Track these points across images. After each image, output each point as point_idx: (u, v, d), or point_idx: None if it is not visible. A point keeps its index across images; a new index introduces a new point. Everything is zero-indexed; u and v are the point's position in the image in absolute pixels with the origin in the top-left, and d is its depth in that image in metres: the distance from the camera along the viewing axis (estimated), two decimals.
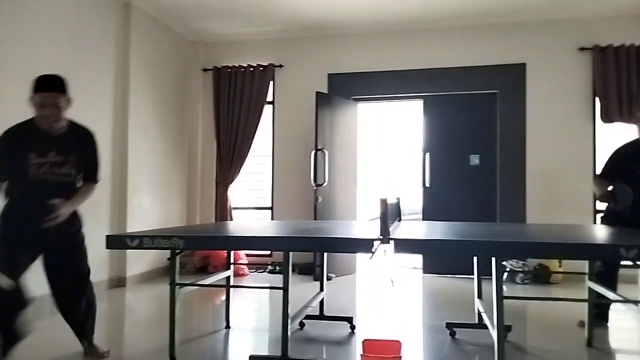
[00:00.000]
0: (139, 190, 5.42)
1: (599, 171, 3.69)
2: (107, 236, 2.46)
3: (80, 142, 2.88)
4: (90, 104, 4.68)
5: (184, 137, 6.42)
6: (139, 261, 5.39)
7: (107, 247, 2.45)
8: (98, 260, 4.82)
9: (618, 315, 3.75)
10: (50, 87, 2.68)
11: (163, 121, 5.94)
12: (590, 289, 3.16)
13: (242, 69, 6.35)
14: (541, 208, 5.63)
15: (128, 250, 4.77)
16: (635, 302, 2.24)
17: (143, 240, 2.38)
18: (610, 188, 3.49)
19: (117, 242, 2.52)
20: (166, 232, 2.61)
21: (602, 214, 3.78)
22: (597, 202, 3.42)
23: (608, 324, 3.65)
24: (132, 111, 5.31)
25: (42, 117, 2.70)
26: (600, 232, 2.81)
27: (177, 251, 2.62)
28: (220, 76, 6.43)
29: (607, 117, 5.49)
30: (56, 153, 2.74)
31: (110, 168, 5.04)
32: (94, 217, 4.83)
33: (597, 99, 5.58)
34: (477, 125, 5.96)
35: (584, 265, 3.20)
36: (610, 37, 5.52)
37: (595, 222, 5.49)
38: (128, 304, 4.66)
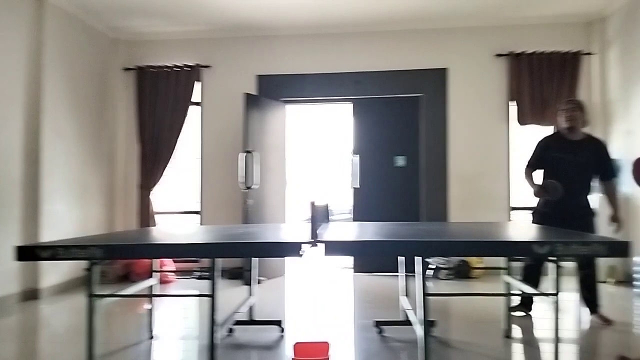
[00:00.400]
0: (53, 195, 5.08)
1: (525, 165, 4.02)
2: (17, 247, 2.28)
3: None
4: None
5: (103, 138, 6.10)
6: (55, 271, 5.05)
7: (17, 259, 2.27)
8: (7, 272, 4.48)
9: (536, 307, 4.00)
10: None
11: (80, 122, 5.61)
12: (506, 283, 3.35)
13: (167, 69, 6.14)
14: (462, 207, 5.89)
15: None
16: (549, 295, 2.39)
17: (57, 251, 2.23)
18: (540, 183, 3.86)
19: (28, 253, 2.34)
20: (82, 241, 2.46)
21: (532, 211, 4.06)
22: (533, 196, 3.91)
23: (530, 313, 3.96)
24: (45, 111, 4.97)
25: None
26: (516, 230, 2.97)
27: (95, 261, 2.47)
28: (142, 76, 6.18)
29: (522, 120, 5.84)
30: None
31: (20, 172, 4.69)
32: (2, 225, 4.49)
33: (512, 103, 5.92)
34: (402, 128, 6.15)
35: (502, 260, 3.39)
36: (524, 44, 5.88)
37: (510, 219, 5.84)
38: (42, 317, 4.34)
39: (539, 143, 4.01)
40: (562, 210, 3.73)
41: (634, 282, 4.71)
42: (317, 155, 13.53)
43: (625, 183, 5.32)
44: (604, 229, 4.02)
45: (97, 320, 2.49)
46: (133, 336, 3.61)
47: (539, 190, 3.79)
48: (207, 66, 6.23)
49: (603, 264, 5.22)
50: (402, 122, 6.16)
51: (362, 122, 6.19)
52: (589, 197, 3.83)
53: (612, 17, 5.63)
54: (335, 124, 11.64)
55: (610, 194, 3.85)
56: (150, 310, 3.48)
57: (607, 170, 3.85)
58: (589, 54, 5.82)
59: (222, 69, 6.25)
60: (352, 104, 6.21)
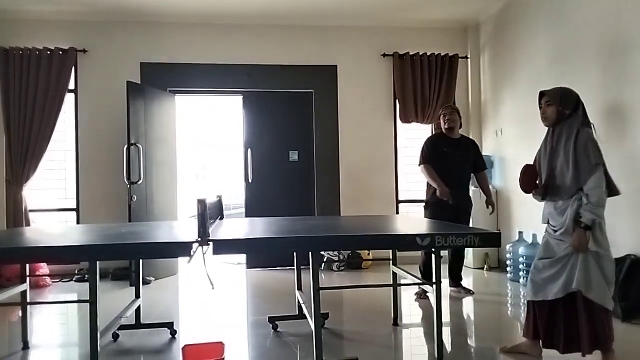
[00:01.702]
0: None
1: (420, 161, 4.44)
2: None
3: None
4: None
5: None
6: None
7: None
8: None
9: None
10: None
11: None
12: (394, 273, 3.53)
13: (37, 52, 5.56)
14: (353, 201, 6.09)
15: None
16: (431, 284, 2.56)
17: None
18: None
19: None
20: None
21: (424, 203, 4.51)
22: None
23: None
24: None
25: None
26: (401, 223, 3.14)
27: None
28: (9, 58, 5.53)
29: (404, 118, 6.16)
30: None
31: None
32: None
33: (397, 101, 6.23)
34: (295, 123, 6.19)
35: (390, 252, 3.59)
36: (407, 45, 6.19)
37: (397, 212, 6.16)
38: None
39: (427, 142, 4.49)
40: (451, 200, 4.24)
41: (507, 269, 5.20)
42: (210, 148, 13.20)
43: (495, 177, 5.87)
44: (481, 215, 4.55)
45: None
46: (4, 347, 3.26)
47: (442, 192, 4.22)
48: (84, 50, 5.75)
49: (477, 252, 5.71)
50: (295, 117, 6.20)
51: (254, 115, 6.13)
52: (469, 187, 4.51)
53: (485, 24, 6.14)
54: (227, 116, 11.43)
55: (483, 183, 4.52)
56: (24, 318, 3.15)
57: (480, 163, 4.52)
58: (465, 57, 6.30)
59: (100, 54, 5.80)
60: (242, 97, 6.11)
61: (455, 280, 4.58)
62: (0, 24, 5.64)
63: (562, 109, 2.66)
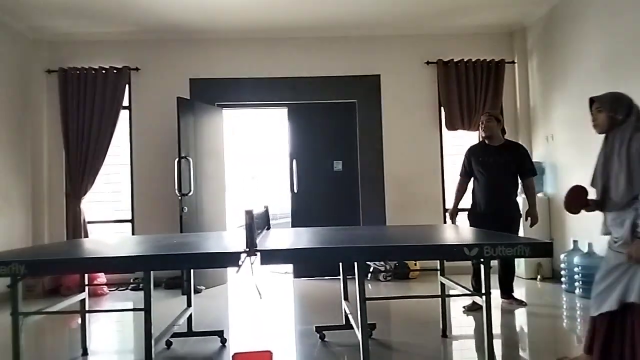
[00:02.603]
0: None
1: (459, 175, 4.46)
2: None
3: None
4: None
5: (25, 144, 5.74)
6: None
7: None
8: None
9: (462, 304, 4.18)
10: None
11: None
12: (442, 284, 3.47)
13: (93, 71, 5.87)
14: (399, 210, 6.04)
15: None
16: (481, 295, 2.49)
17: None
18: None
19: None
20: (4, 256, 2.30)
21: (467, 212, 4.43)
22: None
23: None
24: None
25: None
26: (449, 233, 3.09)
27: (19, 277, 2.32)
28: (67, 78, 5.86)
29: (450, 125, 6.08)
30: None
31: None
32: None
33: (442, 109, 6.15)
34: (339, 133, 6.23)
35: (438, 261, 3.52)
36: (451, 52, 6.12)
37: (445, 222, 6.06)
38: None
39: (465, 153, 4.45)
40: (491, 209, 4.17)
41: (562, 279, 4.99)
42: (257, 159, 13.44)
43: (546, 184, 5.68)
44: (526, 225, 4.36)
45: (23, 339, 2.35)
46: (65, 353, 3.43)
47: (449, 213, 4.33)
48: (137, 69, 6.02)
49: (530, 262, 5.51)
50: (339, 127, 6.24)
51: (299, 126, 6.21)
52: (514, 195, 4.30)
53: (532, 28, 5.99)
54: (273, 128, 11.62)
55: (528, 192, 4.29)
56: (83, 325, 3.30)
57: (524, 169, 4.28)
58: (512, 62, 6.16)
59: (152, 71, 6.06)
60: (287, 109, 6.21)
61: (507, 291, 4.41)
62: (59, 46, 5.99)
63: (614, 115, 2.55)
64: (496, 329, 3.66)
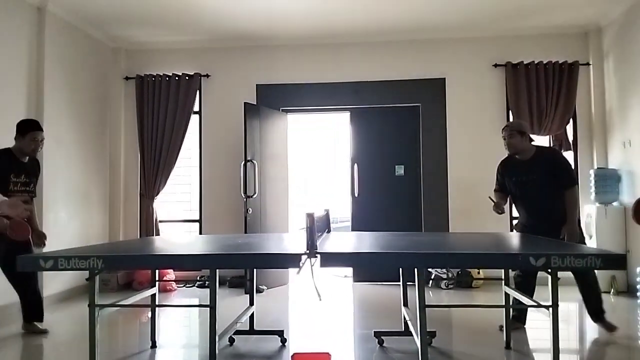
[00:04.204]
0: (55, 204, 5.10)
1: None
2: (19, 257, 2.31)
3: None
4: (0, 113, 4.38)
5: (104, 147, 6.14)
6: (58, 279, 5.06)
7: (19, 269, 2.30)
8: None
9: (535, 317, 4.00)
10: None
11: (81, 131, 5.65)
12: (506, 294, 3.36)
13: (167, 78, 6.18)
14: (463, 216, 5.89)
15: None
16: (547, 307, 2.40)
17: (58, 261, 2.26)
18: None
19: (30, 263, 2.38)
20: (84, 251, 2.49)
21: (515, 223, 4.13)
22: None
23: (525, 326, 3.85)
24: (46, 120, 4.96)
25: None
26: (514, 241, 3.00)
27: (96, 271, 2.50)
28: (143, 85, 6.22)
29: None
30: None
31: None
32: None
33: (510, 112, 5.96)
34: (401, 137, 6.18)
35: (502, 270, 3.39)
36: (521, 54, 5.91)
37: (511, 230, 5.84)
38: (45, 326, 4.35)
39: (498, 168, 4.04)
40: (534, 225, 3.70)
41: (638, 294, 4.69)
42: (319, 163, 13.57)
43: (623, 193, 5.35)
44: (607, 235, 4.03)
45: (98, 329, 2.51)
46: (135, 345, 3.64)
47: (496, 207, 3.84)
48: (207, 75, 6.27)
49: (604, 274, 5.20)
50: (401, 131, 6.19)
51: (361, 130, 6.23)
52: (555, 209, 3.70)
53: (608, 28, 5.68)
54: (336, 132, 11.70)
55: (566, 204, 3.69)
56: (153, 319, 3.49)
57: (564, 182, 3.70)
58: (586, 64, 5.86)
59: (221, 78, 6.29)
60: (349, 113, 6.25)
61: (594, 312, 3.74)
62: (136, 54, 6.37)
63: None
64: (564, 343, 3.49)
